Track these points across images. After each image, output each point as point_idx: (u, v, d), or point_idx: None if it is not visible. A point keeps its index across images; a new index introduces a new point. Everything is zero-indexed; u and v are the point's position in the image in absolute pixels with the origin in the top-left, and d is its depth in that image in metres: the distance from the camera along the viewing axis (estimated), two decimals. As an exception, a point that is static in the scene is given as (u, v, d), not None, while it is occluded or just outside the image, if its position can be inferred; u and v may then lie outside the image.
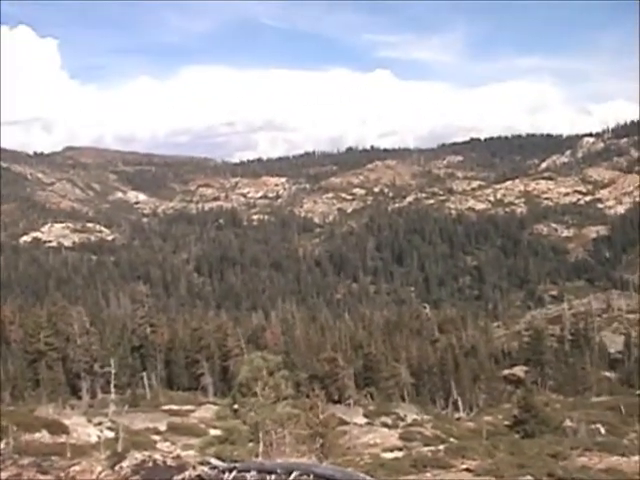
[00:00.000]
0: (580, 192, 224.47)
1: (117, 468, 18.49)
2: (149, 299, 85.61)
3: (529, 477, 25.42)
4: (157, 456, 19.45)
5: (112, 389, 46.31)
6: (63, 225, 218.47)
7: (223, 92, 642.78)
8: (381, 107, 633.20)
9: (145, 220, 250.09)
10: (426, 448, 37.56)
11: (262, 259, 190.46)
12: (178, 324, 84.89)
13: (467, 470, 28.00)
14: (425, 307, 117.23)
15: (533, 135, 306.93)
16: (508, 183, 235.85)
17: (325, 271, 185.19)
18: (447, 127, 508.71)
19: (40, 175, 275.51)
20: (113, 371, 44.92)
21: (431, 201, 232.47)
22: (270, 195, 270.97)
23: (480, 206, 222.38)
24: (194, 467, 16.55)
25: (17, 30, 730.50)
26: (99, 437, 39.25)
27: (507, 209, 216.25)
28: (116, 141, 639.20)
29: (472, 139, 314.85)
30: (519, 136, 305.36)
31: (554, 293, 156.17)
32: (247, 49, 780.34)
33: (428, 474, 28.01)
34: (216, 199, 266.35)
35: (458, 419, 62.20)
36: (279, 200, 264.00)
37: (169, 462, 18.44)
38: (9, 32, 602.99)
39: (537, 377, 77.21)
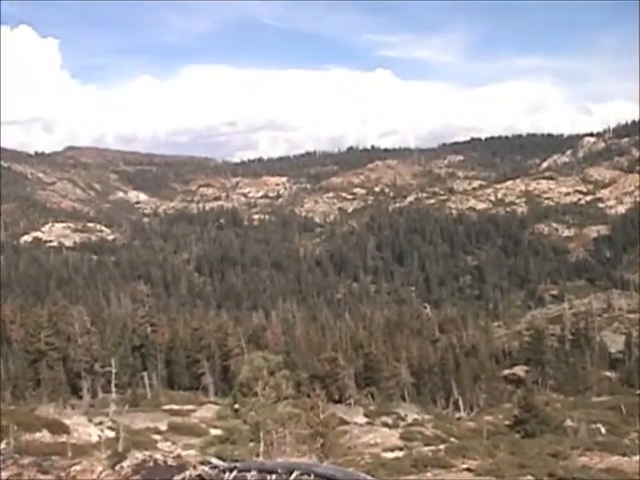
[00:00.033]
0: (581, 192, 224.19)
1: (118, 468, 18.48)
2: (150, 299, 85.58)
3: (530, 477, 25.43)
4: (158, 456, 19.44)
5: (113, 389, 46.43)
6: (64, 225, 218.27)
7: (224, 92, 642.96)
8: (382, 107, 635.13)
9: (146, 220, 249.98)
10: (427, 448, 37.59)
11: (263, 259, 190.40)
12: (179, 324, 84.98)
13: (468, 470, 28.04)
14: (426, 307, 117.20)
15: (534, 135, 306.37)
16: (509, 183, 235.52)
17: (326, 271, 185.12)
18: (448, 127, 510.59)
19: (41, 175, 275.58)
20: (114, 371, 44.95)
21: (432, 201, 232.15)
22: (271, 195, 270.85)
23: (481, 206, 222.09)
24: (195, 467, 16.53)
25: (18, 30, 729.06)
26: (100, 437, 39.32)
27: (508, 209, 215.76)
28: (117, 141, 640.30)
29: (473, 139, 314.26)
30: (520, 136, 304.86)
31: (555, 293, 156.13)
32: (248, 49, 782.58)
33: (429, 474, 28.04)
34: (217, 199, 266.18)
35: (459, 419, 62.21)
36: (280, 200, 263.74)
37: (170, 462, 18.44)
38: (10, 32, 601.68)
39: (538, 377, 77.18)
